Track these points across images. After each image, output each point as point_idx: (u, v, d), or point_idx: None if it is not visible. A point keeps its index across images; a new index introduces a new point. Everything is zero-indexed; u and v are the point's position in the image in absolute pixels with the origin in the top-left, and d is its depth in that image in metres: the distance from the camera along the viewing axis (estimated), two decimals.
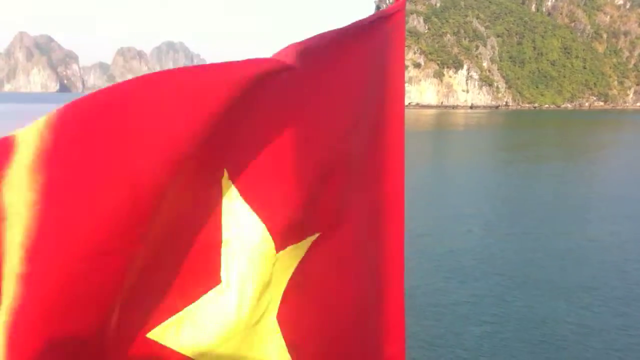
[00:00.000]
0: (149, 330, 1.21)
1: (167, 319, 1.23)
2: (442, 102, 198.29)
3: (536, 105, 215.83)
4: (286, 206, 1.39)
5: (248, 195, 1.33)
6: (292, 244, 1.44)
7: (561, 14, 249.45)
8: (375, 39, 1.61)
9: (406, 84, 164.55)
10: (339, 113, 1.50)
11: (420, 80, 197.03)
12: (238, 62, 1.24)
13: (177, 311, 1.25)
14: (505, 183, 30.77)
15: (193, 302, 1.27)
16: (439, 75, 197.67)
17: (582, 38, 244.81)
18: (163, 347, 1.22)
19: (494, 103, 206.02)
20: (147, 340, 1.21)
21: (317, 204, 1.48)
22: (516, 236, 18.17)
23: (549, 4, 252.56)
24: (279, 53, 1.39)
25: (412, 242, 15.89)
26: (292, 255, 1.45)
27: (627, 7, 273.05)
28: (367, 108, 1.61)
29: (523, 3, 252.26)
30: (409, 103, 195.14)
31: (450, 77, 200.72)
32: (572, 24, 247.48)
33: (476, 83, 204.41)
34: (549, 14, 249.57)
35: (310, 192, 1.45)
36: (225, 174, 1.29)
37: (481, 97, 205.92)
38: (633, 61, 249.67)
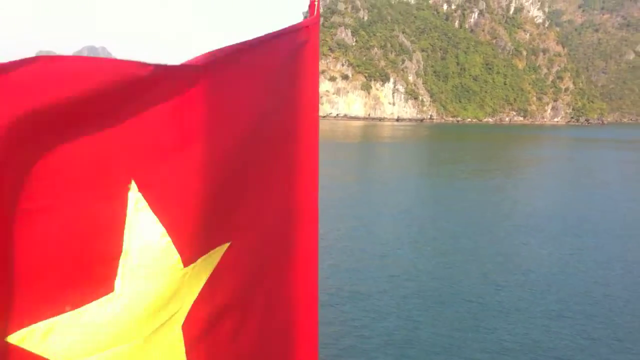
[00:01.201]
0: (10, 333, 1.28)
1: (32, 323, 1.30)
2: (369, 114, 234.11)
3: (459, 119, 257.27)
4: (194, 217, 1.55)
5: (156, 207, 1.46)
6: (202, 256, 1.62)
7: (483, 30, 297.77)
8: (286, 51, 1.84)
9: (335, 96, 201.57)
10: (245, 122, 1.67)
11: (348, 92, 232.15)
12: (142, 64, 1.35)
13: (49, 317, 1.32)
14: (430, 194, 37.38)
15: (76, 308, 1.35)
16: (366, 88, 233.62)
17: (503, 55, 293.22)
18: (23, 351, 1.29)
19: (419, 116, 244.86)
20: (6, 344, 1.27)
21: (227, 213, 1.67)
22: (440, 247, 22.15)
23: (472, 20, 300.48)
24: (191, 60, 1.54)
25: (328, 252, 19.59)
26: (203, 267, 1.63)
27: (546, 25, 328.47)
28: (278, 117, 1.82)
29: (447, 19, 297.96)
30: (337, 114, 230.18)
31: (377, 89, 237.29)
32: (494, 41, 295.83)
33: (402, 96, 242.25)
34: (472, 30, 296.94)
35: (219, 202, 1.62)
36: (133, 184, 1.41)
37: (407, 110, 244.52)
38: (551, 78, 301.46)
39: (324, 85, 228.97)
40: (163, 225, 1.46)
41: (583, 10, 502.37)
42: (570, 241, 24.46)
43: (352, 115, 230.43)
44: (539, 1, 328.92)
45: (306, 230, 1.93)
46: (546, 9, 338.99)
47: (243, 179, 1.69)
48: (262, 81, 1.69)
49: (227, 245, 1.67)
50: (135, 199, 1.41)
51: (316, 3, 1.91)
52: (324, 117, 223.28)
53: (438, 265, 20.26)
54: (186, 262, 1.53)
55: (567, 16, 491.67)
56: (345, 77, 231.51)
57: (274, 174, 1.81)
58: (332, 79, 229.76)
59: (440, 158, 69.11)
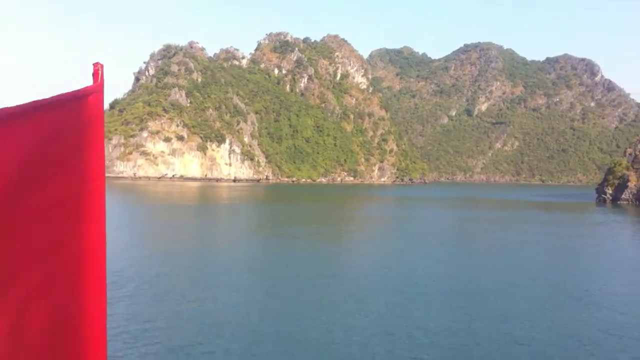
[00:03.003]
0: None
1: None
2: (206, 175, 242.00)
3: (294, 179, 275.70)
4: None
5: None
6: None
7: (313, 94, 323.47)
8: (67, 117, 1.90)
9: (170, 157, 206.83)
10: (16, 185, 1.68)
11: (184, 152, 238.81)
12: None
13: None
14: (268, 256, 39.61)
15: None
16: (202, 149, 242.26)
17: (332, 118, 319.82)
18: None
19: (255, 177, 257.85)
20: None
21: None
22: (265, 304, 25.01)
23: (302, 85, 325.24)
24: None
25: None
26: None
27: (370, 91, 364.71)
28: (56, 179, 1.87)
29: (278, 83, 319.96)
30: (173, 175, 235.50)
31: (213, 150, 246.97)
32: (323, 105, 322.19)
33: (238, 157, 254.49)
34: (302, 94, 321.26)
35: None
36: None
37: (244, 171, 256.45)
38: (377, 140, 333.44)
39: (159, 146, 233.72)
40: None
41: (400, 78, 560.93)
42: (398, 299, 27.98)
43: (189, 176, 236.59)
44: (362, 68, 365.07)
45: (94, 301, 1.93)
46: (369, 76, 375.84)
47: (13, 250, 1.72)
48: (41, 144, 1.73)
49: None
50: None
51: (100, 70, 1.55)
52: (160, 178, 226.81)
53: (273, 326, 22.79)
54: None
55: (387, 83, 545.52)
56: (180, 138, 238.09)
57: (56, 243, 1.85)
58: (167, 139, 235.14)
59: (277, 219, 72.59)
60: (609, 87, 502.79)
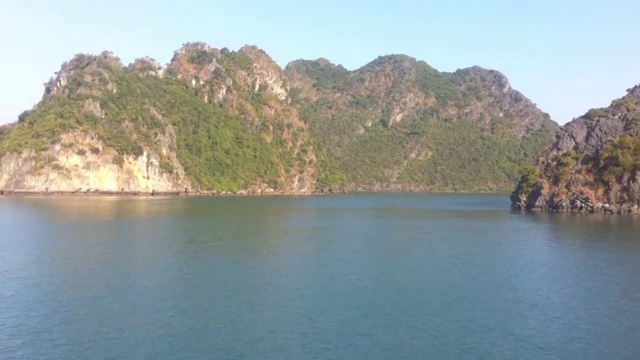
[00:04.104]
0: None
1: None
2: (122, 189, 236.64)
3: (214, 191, 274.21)
4: None
5: None
6: None
7: (232, 106, 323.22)
8: None
9: (84, 170, 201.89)
10: None
11: (99, 166, 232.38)
12: None
13: None
14: (180, 271, 39.44)
15: None
16: (118, 161, 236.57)
17: (251, 129, 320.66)
18: None
19: (174, 189, 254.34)
20: None
21: None
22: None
23: (220, 96, 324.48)
24: None
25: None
26: None
27: (289, 102, 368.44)
28: None
29: (196, 94, 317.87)
30: (88, 189, 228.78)
31: (130, 163, 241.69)
32: (242, 116, 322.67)
33: (157, 169, 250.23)
34: (221, 105, 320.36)
35: None
36: None
37: (162, 184, 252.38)
38: (296, 151, 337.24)
39: (73, 160, 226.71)
40: None
41: (317, 89, 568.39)
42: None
43: (104, 190, 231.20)
44: (281, 79, 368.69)
45: None
46: (288, 87, 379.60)
47: None
48: None
49: None
50: None
51: None
52: (73, 192, 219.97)
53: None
54: None
55: (304, 94, 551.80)
56: (95, 151, 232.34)
57: None
58: (81, 152, 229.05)
59: (200, 234, 71.15)
60: (516, 97, 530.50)
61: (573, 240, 67.87)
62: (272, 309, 29.25)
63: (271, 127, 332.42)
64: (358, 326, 26.15)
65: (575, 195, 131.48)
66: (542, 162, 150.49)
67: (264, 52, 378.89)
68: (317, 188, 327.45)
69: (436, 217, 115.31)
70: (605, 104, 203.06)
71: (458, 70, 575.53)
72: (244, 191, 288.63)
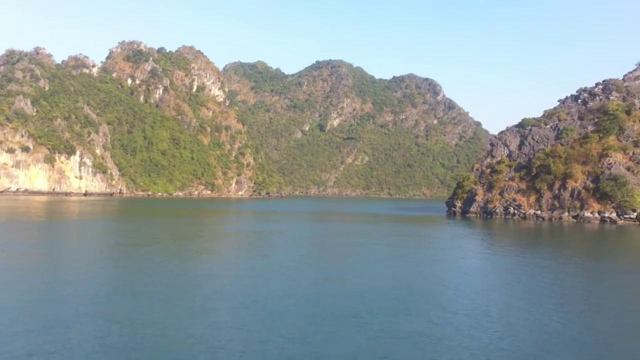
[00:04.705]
0: None
1: None
2: (54, 189, 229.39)
3: (150, 193, 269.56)
4: None
5: None
6: None
7: (168, 106, 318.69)
8: None
9: (14, 169, 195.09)
10: None
11: (29, 164, 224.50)
12: None
13: None
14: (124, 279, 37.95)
15: None
16: (50, 161, 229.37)
17: (188, 130, 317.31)
18: None
19: (108, 190, 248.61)
20: None
21: None
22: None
23: (157, 96, 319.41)
24: None
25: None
26: None
27: (227, 104, 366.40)
28: None
29: (132, 93, 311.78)
30: (17, 189, 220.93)
31: (62, 162, 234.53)
32: (179, 117, 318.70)
33: (90, 170, 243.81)
34: (157, 105, 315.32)
35: None
36: None
37: (95, 184, 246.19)
38: (234, 154, 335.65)
39: (2, 158, 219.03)
40: None
41: (255, 92, 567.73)
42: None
43: (35, 189, 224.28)
44: (219, 81, 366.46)
45: None
46: (226, 89, 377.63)
47: None
48: None
49: None
50: None
51: None
52: (2, 192, 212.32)
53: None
54: None
55: (242, 96, 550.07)
56: (25, 149, 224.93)
57: None
58: (11, 150, 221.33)
59: (135, 236, 68.88)
60: (450, 105, 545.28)
61: (508, 247, 70.97)
62: (211, 316, 28.61)
63: (209, 129, 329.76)
64: (298, 333, 25.98)
65: (509, 202, 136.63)
66: (477, 169, 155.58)
67: (201, 53, 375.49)
68: (254, 191, 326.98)
69: (376, 222, 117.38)
70: (537, 113, 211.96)
71: (394, 77, 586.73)
72: (180, 193, 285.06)
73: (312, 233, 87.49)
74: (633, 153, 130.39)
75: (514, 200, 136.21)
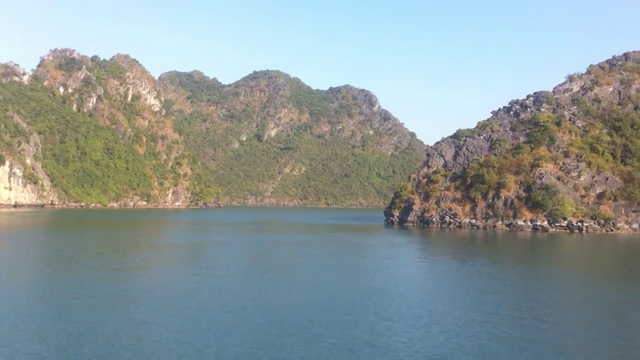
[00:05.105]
0: None
1: None
2: None
3: (83, 204, 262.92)
4: None
5: None
6: None
7: (102, 115, 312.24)
8: None
9: None
10: None
11: None
12: None
13: None
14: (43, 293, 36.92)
15: None
16: None
17: (123, 140, 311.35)
18: None
19: (39, 202, 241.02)
20: None
21: None
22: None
23: (90, 105, 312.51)
24: None
25: None
26: None
27: (163, 113, 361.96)
28: None
29: (64, 102, 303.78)
30: None
31: None
32: (114, 126, 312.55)
33: (20, 180, 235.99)
34: (91, 115, 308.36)
35: None
36: None
37: (26, 195, 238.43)
38: (170, 164, 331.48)
39: None
40: None
41: (191, 102, 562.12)
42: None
43: None
44: (155, 90, 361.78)
45: None
46: (162, 98, 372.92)
47: None
48: None
49: None
50: None
51: None
52: None
53: None
54: None
55: (178, 106, 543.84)
56: None
57: None
58: None
59: (69, 250, 66.54)
60: (386, 116, 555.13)
61: (446, 255, 74.38)
62: (158, 333, 28.26)
63: (144, 139, 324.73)
64: (248, 346, 26.36)
65: (445, 211, 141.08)
66: (414, 179, 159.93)
67: (137, 62, 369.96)
68: (191, 201, 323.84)
69: (317, 232, 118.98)
70: (471, 124, 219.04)
71: (331, 88, 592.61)
72: (115, 204, 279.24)
73: (253, 244, 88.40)
74: (563, 163, 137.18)
75: (450, 209, 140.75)
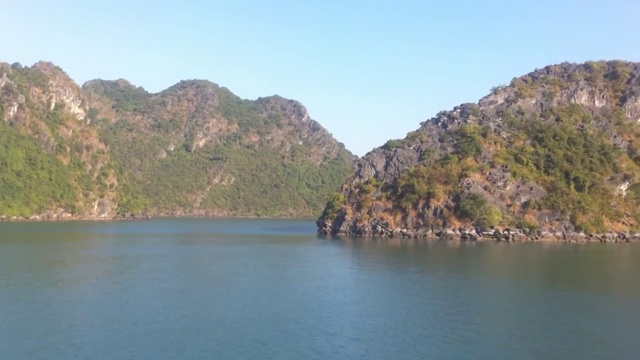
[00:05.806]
0: None
1: None
2: None
3: (4, 216, 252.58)
4: None
5: None
6: None
7: (24, 124, 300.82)
8: None
9: None
10: None
11: None
12: None
13: None
14: None
15: None
16: None
17: (46, 150, 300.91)
18: None
19: None
20: None
21: None
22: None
23: (11, 114, 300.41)
24: None
25: None
26: None
27: (88, 122, 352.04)
28: None
29: None
30: None
31: None
32: (36, 136, 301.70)
33: None
34: (12, 124, 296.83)
35: None
36: None
37: None
38: (96, 174, 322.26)
39: None
40: None
41: (117, 111, 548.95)
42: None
43: None
44: (79, 99, 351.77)
45: None
46: (87, 107, 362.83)
47: None
48: None
49: None
50: None
51: None
52: None
53: None
54: None
55: (103, 115, 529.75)
56: None
57: None
58: None
59: None
60: (314, 127, 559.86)
61: (379, 265, 76.56)
62: (84, 349, 28.01)
63: (69, 149, 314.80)
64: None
65: (377, 221, 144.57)
66: (346, 189, 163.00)
67: (60, 69, 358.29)
68: (118, 213, 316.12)
69: (250, 243, 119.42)
70: (400, 135, 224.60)
71: (260, 99, 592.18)
72: (37, 216, 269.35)
73: (185, 256, 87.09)
74: (489, 173, 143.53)
75: (382, 219, 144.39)
